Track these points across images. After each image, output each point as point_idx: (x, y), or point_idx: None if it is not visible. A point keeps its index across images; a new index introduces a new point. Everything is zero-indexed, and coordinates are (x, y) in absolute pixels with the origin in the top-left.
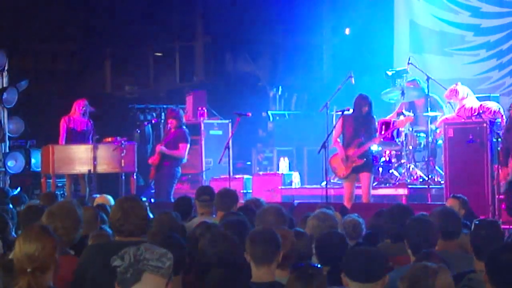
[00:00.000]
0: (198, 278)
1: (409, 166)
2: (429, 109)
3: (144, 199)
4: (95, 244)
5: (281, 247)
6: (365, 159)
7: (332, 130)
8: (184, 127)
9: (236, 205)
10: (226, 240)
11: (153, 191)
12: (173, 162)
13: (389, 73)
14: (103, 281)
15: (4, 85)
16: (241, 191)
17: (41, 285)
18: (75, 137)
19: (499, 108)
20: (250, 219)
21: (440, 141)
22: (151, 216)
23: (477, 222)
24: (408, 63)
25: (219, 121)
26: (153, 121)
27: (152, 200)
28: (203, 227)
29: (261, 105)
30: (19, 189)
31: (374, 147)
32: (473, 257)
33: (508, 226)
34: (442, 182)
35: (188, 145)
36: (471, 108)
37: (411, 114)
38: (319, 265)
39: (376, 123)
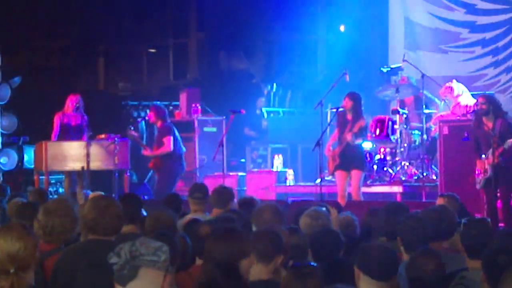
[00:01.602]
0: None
1: (404, 164)
2: (424, 106)
3: None
4: (70, 247)
5: (282, 250)
6: (342, 158)
7: (327, 128)
8: (166, 121)
9: (232, 203)
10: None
11: (149, 188)
12: (167, 159)
13: (384, 70)
14: (82, 282)
15: None
16: (235, 189)
17: (23, 285)
18: (71, 132)
19: None
20: (246, 216)
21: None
22: (145, 213)
23: (465, 221)
24: (403, 60)
25: (213, 118)
26: (146, 118)
27: (146, 197)
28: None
29: (255, 103)
30: None
31: (367, 145)
32: (464, 256)
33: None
34: (437, 179)
35: (172, 137)
36: (466, 105)
37: (406, 111)
38: (314, 264)
39: (363, 121)
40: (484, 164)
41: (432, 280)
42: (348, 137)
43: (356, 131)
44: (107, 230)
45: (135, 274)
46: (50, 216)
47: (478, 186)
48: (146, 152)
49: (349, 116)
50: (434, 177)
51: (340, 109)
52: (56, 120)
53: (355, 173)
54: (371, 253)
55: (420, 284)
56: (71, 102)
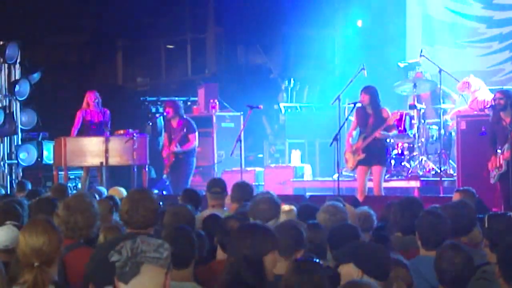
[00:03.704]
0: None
1: (422, 159)
2: (441, 101)
3: (156, 191)
4: (108, 240)
5: (302, 245)
6: (366, 153)
7: (344, 123)
8: (183, 117)
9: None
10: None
11: (167, 183)
12: (190, 154)
13: (401, 65)
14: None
15: (17, 77)
16: (253, 184)
17: (47, 278)
18: (94, 128)
19: None
20: None
21: (454, 133)
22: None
23: (489, 215)
24: (420, 56)
25: (231, 114)
26: (165, 114)
27: (164, 192)
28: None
29: (272, 98)
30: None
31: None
32: (484, 250)
33: None
34: (455, 174)
35: (197, 133)
36: (484, 100)
37: (424, 106)
38: (318, 260)
39: (388, 114)
40: (500, 159)
41: (462, 273)
42: (378, 134)
43: (391, 123)
44: (140, 223)
45: (138, 271)
46: (72, 211)
47: (492, 181)
48: (175, 150)
49: (370, 110)
50: (452, 172)
51: (358, 104)
52: (79, 116)
53: (376, 169)
54: (376, 254)
55: (449, 277)
56: (91, 99)
